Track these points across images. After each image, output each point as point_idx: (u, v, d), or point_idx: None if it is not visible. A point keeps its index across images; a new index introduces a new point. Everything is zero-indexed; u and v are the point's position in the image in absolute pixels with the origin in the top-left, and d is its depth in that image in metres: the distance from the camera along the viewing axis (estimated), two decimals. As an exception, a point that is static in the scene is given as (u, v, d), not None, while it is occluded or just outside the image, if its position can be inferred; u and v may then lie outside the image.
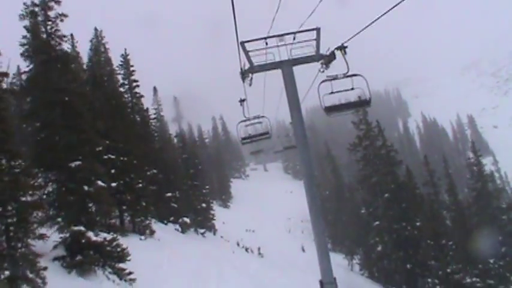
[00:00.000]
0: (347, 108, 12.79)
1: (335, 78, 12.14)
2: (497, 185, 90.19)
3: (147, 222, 38.33)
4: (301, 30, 12.73)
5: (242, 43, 12.55)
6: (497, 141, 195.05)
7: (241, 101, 16.99)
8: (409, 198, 51.88)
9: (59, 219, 22.30)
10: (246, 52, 12.87)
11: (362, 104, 13.04)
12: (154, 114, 72.00)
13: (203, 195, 69.52)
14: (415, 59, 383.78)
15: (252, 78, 13.92)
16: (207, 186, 76.56)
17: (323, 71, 12.87)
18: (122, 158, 35.11)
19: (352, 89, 12.22)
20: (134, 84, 53.86)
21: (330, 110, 12.39)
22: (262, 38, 12.84)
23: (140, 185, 37.10)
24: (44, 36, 24.64)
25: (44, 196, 22.39)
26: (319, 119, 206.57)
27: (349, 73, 12.09)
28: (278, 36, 13.02)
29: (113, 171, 33.76)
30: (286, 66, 13.06)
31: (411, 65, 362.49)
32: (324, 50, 12.83)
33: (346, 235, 77.53)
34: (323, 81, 12.13)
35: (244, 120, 18.08)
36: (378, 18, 9.40)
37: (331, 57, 12.61)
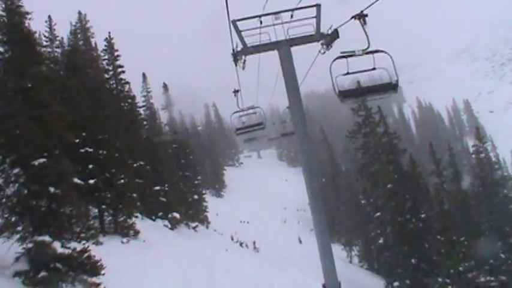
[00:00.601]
0: (368, 92, 10.81)
1: (352, 54, 9.93)
2: (503, 173, 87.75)
3: (131, 221, 34.70)
4: (299, 7, 11.51)
5: (234, 22, 11.41)
6: (493, 126, 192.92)
7: (235, 91, 17.02)
8: (413, 188, 48.86)
9: (20, 228, 18.96)
10: (239, 32, 11.76)
11: (386, 88, 10.62)
12: (144, 102, 69.17)
13: (195, 187, 66.26)
14: (410, 44, 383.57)
15: (245, 61, 12.86)
16: (199, 177, 73.31)
17: (324, 53, 11.80)
18: (101, 152, 31.52)
19: (374, 69, 10.07)
20: (119, 70, 50.09)
21: (346, 95, 10.40)
22: (256, 16, 11.68)
23: (122, 180, 33.27)
24: (3, 13, 21.22)
25: (3, 200, 19.13)
26: (313, 103, 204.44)
27: (370, 49, 9.96)
28: (274, 14, 11.88)
29: (90, 166, 30.49)
30: (283, 47, 12.08)
31: (406, 51, 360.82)
32: (324, 29, 11.68)
33: (344, 225, 74.96)
34: (337, 58, 9.91)
35: (238, 111, 18.08)
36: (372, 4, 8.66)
37: (334, 36, 11.35)
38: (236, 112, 18.32)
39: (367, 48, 9.90)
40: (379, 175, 52.73)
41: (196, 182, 67.77)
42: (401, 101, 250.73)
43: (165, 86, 70.67)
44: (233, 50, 12.39)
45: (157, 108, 69.78)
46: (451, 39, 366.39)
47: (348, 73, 9.96)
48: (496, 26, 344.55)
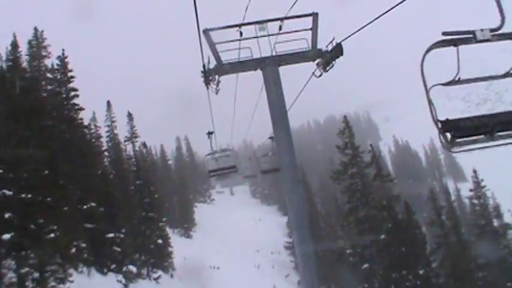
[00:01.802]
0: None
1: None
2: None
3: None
4: (290, 16, 9.90)
5: (206, 31, 9.75)
6: (471, 166, 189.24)
7: (209, 133, 17.85)
8: (409, 240, 42.52)
9: None
10: (212, 45, 10.19)
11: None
12: (107, 132, 62.51)
13: (160, 229, 58.69)
14: (384, 82, 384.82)
15: (219, 82, 10.96)
16: (164, 219, 65.55)
17: (320, 75, 10.58)
18: (24, 195, 23.53)
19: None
20: (73, 93, 43.00)
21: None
22: (234, 26, 9.93)
23: (52, 234, 25.25)
24: None
25: None
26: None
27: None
28: (258, 23, 10.23)
29: (7, 215, 22.89)
30: (269, 66, 10.55)
31: (381, 89, 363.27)
32: (322, 44, 10.52)
33: (323, 275, 68.17)
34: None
35: (212, 153, 19.21)
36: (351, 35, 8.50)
37: (336, 53, 9.75)
38: (210, 154, 19.20)
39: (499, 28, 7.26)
40: (367, 222, 46.94)
41: (161, 224, 60.11)
42: (377, 139, 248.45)
43: (129, 115, 63.83)
44: (204, 67, 10.55)
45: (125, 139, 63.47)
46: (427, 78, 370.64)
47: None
48: (468, 67, 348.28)
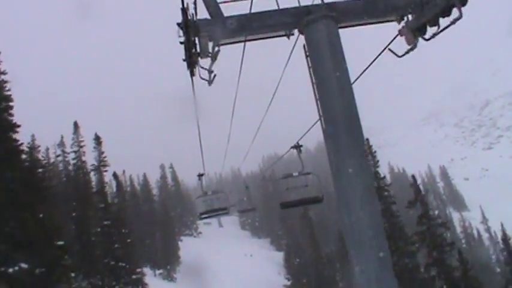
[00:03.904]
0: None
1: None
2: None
3: None
4: None
5: None
6: (470, 194, 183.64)
7: (200, 175, 19.31)
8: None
9: None
10: None
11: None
12: (74, 159, 52.57)
13: (133, 283, 47.49)
14: (377, 109, 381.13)
15: (215, 56, 6.70)
16: (139, 270, 53.70)
17: (407, 53, 7.20)
18: None
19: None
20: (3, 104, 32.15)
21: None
22: None
23: None
24: None
25: None
26: (277, 167, 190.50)
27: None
28: None
29: None
30: (322, 22, 6.71)
31: (373, 115, 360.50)
32: None
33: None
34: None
35: (203, 196, 20.17)
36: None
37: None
38: (200, 197, 20.37)
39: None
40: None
41: (134, 276, 48.70)
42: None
43: (97, 139, 53.11)
44: (184, 23, 6.47)
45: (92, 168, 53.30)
46: (416, 105, 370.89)
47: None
48: (460, 92, 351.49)
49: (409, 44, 7.04)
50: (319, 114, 6.93)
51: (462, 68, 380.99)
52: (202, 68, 6.80)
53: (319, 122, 7.19)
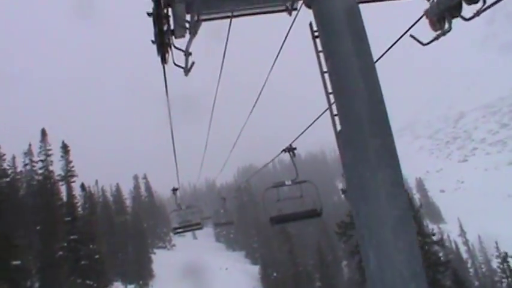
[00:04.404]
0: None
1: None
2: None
3: None
4: None
5: None
6: (446, 206, 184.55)
7: (174, 190, 19.60)
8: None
9: None
10: None
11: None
12: (41, 169, 49.91)
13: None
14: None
15: (194, 34, 5.40)
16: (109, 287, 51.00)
17: (435, 39, 6.14)
18: None
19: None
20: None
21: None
22: None
23: None
24: None
25: None
26: (254, 179, 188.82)
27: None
28: None
29: None
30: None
31: None
32: None
33: None
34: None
35: (177, 210, 20.28)
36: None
37: None
38: (175, 211, 20.46)
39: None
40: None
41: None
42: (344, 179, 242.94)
43: (64, 147, 50.37)
44: None
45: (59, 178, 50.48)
46: (389, 117, 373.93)
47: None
48: (434, 105, 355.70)
49: (434, 30, 5.89)
50: (331, 113, 5.46)
51: (436, 81, 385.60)
52: (176, 48, 5.44)
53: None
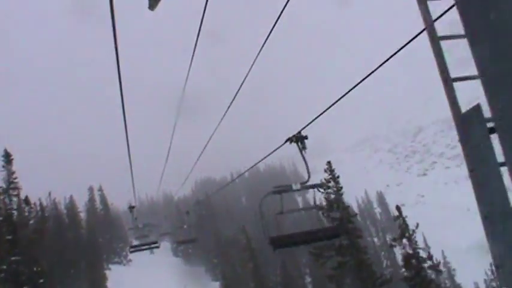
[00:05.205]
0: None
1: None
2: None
3: None
4: None
5: None
6: (407, 220, 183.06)
7: (131, 208, 18.98)
8: None
9: None
10: None
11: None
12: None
13: None
14: (310, 133, 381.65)
15: None
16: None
17: None
18: None
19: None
20: None
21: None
22: None
23: None
24: None
25: None
26: (211, 191, 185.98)
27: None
28: None
29: None
30: None
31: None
32: None
33: None
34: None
35: (134, 228, 19.63)
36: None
37: None
38: (131, 229, 20.35)
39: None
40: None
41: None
42: (304, 191, 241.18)
43: (6, 156, 45.57)
44: None
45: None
46: (348, 131, 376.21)
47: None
48: (393, 119, 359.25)
49: None
50: (451, 106, 3.77)
51: (394, 96, 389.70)
52: None
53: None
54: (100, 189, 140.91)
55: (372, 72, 6.31)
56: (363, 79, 6.63)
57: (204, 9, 5.93)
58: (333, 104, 7.74)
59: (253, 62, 7.18)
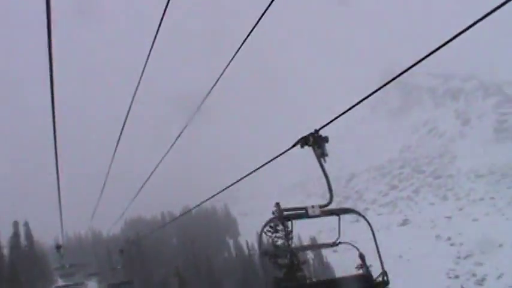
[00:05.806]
0: None
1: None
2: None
3: None
4: None
5: None
6: (338, 267, 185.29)
7: (58, 247, 17.15)
8: None
9: None
10: None
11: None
12: None
13: None
14: (240, 176, 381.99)
15: None
16: None
17: None
18: None
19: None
20: None
21: None
22: None
23: None
24: None
25: None
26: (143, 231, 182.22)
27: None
28: None
29: None
30: None
31: (240, 184, 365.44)
32: None
33: None
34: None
35: (60, 268, 19.84)
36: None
37: None
38: (57, 269, 19.40)
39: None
40: None
41: None
42: (236, 235, 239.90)
43: None
44: None
45: None
46: (281, 175, 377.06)
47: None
48: (325, 165, 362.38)
49: None
50: None
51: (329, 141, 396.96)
52: None
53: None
54: (25, 224, 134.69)
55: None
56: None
57: None
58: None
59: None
